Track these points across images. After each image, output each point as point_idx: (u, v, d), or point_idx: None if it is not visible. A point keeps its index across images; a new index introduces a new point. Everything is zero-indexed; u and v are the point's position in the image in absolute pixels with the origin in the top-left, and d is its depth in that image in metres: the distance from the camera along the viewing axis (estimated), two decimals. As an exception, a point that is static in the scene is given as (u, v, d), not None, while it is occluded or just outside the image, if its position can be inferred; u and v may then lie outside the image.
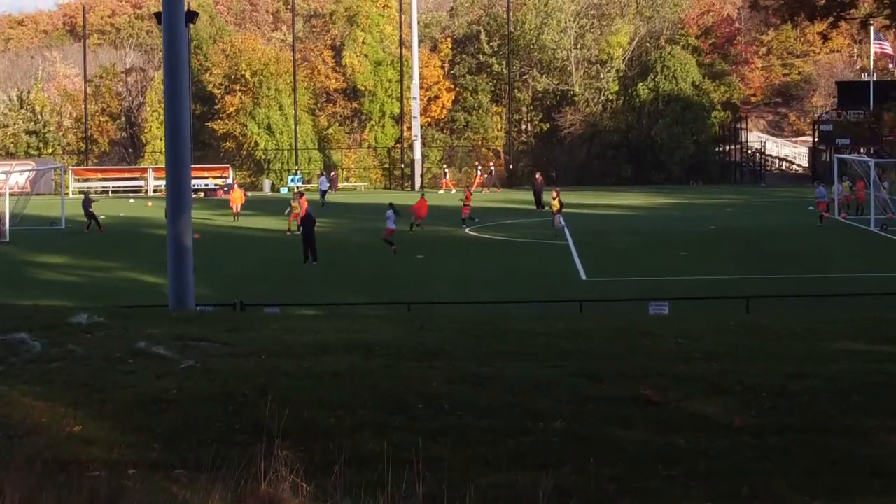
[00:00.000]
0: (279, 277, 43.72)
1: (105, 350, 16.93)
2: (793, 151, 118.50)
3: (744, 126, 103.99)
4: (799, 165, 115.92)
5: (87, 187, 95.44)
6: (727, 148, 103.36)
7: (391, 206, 52.45)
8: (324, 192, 79.17)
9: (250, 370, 15.88)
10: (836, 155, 70.04)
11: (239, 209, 67.22)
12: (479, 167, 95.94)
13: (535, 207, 70.16)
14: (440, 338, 18.14)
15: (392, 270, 45.59)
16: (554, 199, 57.86)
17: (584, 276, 42.33)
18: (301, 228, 48.11)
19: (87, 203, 62.42)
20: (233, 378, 15.36)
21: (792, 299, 32.55)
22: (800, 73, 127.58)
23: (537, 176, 72.34)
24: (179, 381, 15.34)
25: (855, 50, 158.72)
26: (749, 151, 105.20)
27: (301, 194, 60.27)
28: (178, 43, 26.28)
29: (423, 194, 64.31)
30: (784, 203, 75.57)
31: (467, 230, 59.53)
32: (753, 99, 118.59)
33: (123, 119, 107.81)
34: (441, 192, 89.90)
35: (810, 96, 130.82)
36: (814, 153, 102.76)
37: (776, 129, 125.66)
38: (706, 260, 46.70)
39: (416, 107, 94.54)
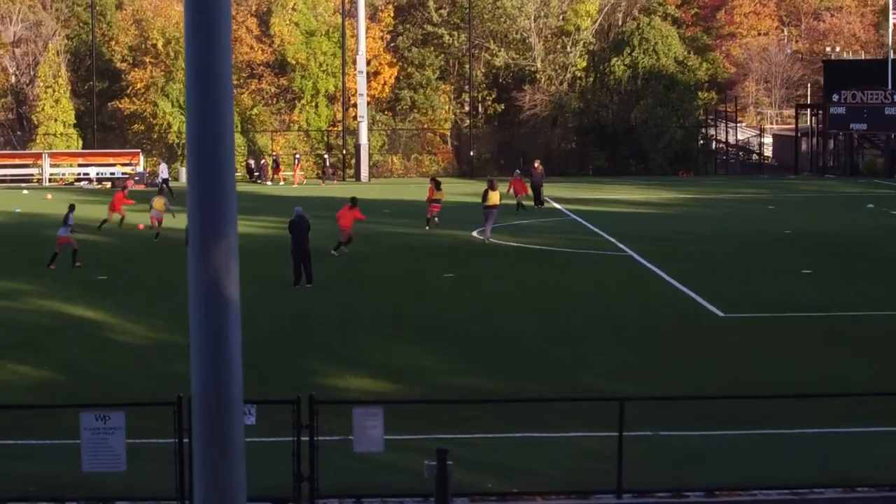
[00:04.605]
0: (275, 314, 30.12)
1: None
2: (752, 140, 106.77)
3: (732, 108, 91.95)
4: (758, 154, 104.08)
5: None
6: (713, 133, 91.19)
7: (71, 207, 40.18)
8: (165, 181, 67.59)
9: None
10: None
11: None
12: (297, 156, 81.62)
13: (533, 204, 57.19)
14: None
15: (422, 297, 32.46)
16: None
17: (718, 312, 29.43)
18: (291, 237, 34.47)
19: None
20: None
21: None
22: (727, 57, 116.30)
23: (536, 165, 58.99)
24: None
25: (785, 32, 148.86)
26: (739, 138, 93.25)
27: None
28: None
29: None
30: (820, 199, 63.40)
31: (474, 233, 46.55)
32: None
33: (10, 97, 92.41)
34: (296, 185, 76.31)
35: (742, 81, 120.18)
36: (796, 141, 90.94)
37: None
38: (848, 281, 34.27)
39: (361, 82, 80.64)
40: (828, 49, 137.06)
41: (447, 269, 36.86)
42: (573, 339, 26.56)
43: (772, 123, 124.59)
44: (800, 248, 41.97)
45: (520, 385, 22.38)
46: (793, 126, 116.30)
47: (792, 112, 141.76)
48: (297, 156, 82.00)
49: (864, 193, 64.97)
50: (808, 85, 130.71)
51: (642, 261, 38.38)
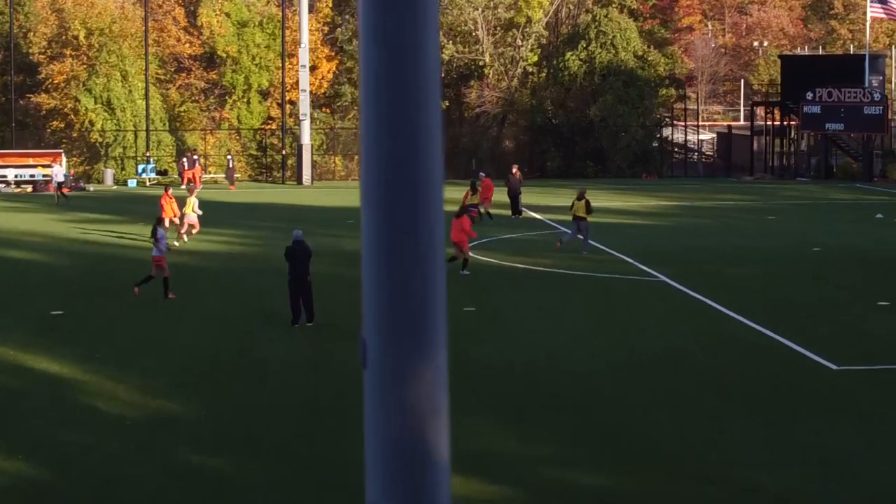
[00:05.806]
0: (280, 367, 24.54)
1: None
2: (692, 139, 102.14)
3: (693, 107, 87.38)
4: (703, 154, 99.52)
5: None
6: (674, 133, 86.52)
7: (158, 219, 35.24)
8: (60, 185, 61.30)
9: None
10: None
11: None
12: (196, 157, 73.57)
13: (510, 213, 52.16)
14: None
15: (452, 339, 26.97)
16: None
17: (829, 364, 24.38)
18: (289, 266, 28.76)
19: None
20: None
21: None
22: (685, 51, 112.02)
23: (514, 171, 53.79)
24: None
25: (709, 26, 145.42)
26: (703, 139, 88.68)
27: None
28: None
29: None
30: (815, 207, 58.53)
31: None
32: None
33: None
34: (184, 186, 70.12)
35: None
36: (751, 142, 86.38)
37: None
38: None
39: (304, 77, 74.79)
40: (755, 44, 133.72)
41: (462, 300, 31.48)
42: (674, 401, 21.45)
43: (699, 120, 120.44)
44: (844, 269, 37.19)
45: (651, 478, 17.27)
46: (732, 123, 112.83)
47: (719, 108, 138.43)
48: (196, 157, 74.50)
49: (860, 200, 60.63)
50: (741, 81, 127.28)
51: (682, 288, 33.29)
